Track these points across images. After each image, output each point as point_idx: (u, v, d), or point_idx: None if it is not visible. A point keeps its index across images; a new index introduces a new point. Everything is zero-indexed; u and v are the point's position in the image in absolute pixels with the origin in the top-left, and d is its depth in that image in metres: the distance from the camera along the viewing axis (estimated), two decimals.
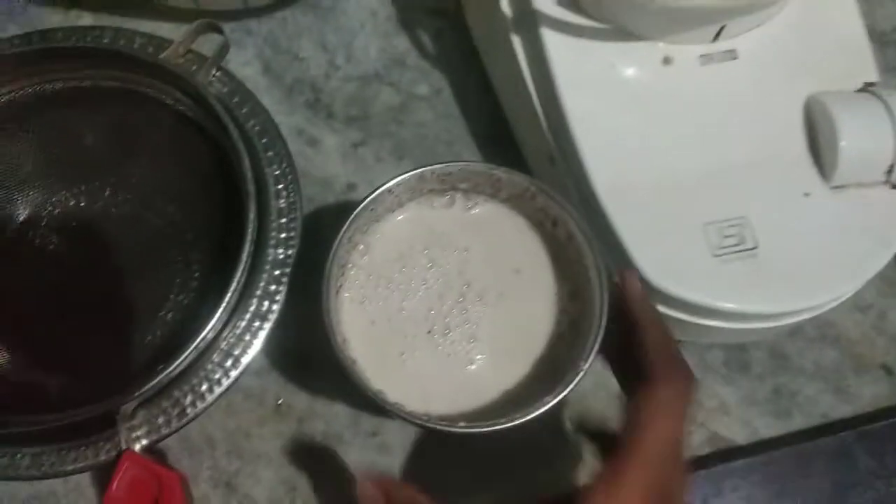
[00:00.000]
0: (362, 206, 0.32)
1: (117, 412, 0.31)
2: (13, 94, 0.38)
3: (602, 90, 0.37)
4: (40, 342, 0.36)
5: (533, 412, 0.29)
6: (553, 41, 0.37)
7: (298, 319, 0.38)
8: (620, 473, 0.24)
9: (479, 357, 0.33)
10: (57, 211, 0.40)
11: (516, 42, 0.39)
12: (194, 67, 0.37)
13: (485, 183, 0.35)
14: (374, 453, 0.40)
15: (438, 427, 0.29)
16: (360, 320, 0.33)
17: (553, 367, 0.33)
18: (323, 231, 0.40)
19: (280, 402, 0.40)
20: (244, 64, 0.46)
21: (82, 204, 0.40)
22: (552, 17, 0.37)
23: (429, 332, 0.33)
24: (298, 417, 0.40)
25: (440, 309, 0.34)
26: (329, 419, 0.40)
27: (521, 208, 0.36)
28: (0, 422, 0.31)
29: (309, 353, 0.40)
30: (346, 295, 0.33)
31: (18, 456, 0.32)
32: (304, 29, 0.47)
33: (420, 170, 0.33)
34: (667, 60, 0.38)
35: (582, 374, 0.29)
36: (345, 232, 0.31)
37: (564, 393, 0.29)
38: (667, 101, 0.37)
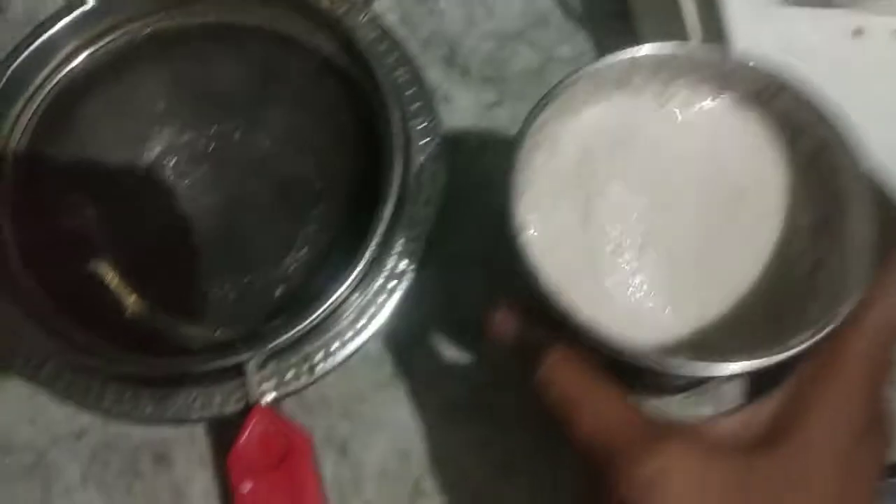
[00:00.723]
0: (559, 89, 0.26)
1: (248, 363, 0.30)
2: (154, 26, 0.36)
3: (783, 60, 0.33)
4: (167, 284, 0.35)
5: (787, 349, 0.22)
6: (734, 6, 0.34)
7: (427, 284, 0.36)
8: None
9: (670, 291, 0.27)
10: (188, 150, 0.39)
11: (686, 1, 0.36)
12: (342, 10, 0.35)
13: (711, 77, 0.27)
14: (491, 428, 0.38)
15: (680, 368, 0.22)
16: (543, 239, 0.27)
17: (775, 315, 0.26)
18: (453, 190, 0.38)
19: (398, 368, 0.38)
20: (381, 12, 0.43)
21: (213, 144, 0.39)
22: None
23: (617, 253, 0.27)
24: (415, 388, 0.38)
25: (633, 228, 0.27)
26: (447, 393, 0.38)
27: (754, 113, 0.28)
28: (127, 361, 0.30)
29: (432, 321, 0.38)
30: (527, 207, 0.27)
31: (143, 399, 0.31)
32: None
33: (630, 52, 0.26)
34: (858, 32, 0.34)
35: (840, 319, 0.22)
36: (531, 123, 0.26)
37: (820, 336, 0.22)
38: (854, 77, 0.33)
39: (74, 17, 0.34)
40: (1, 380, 0.39)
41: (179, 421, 0.31)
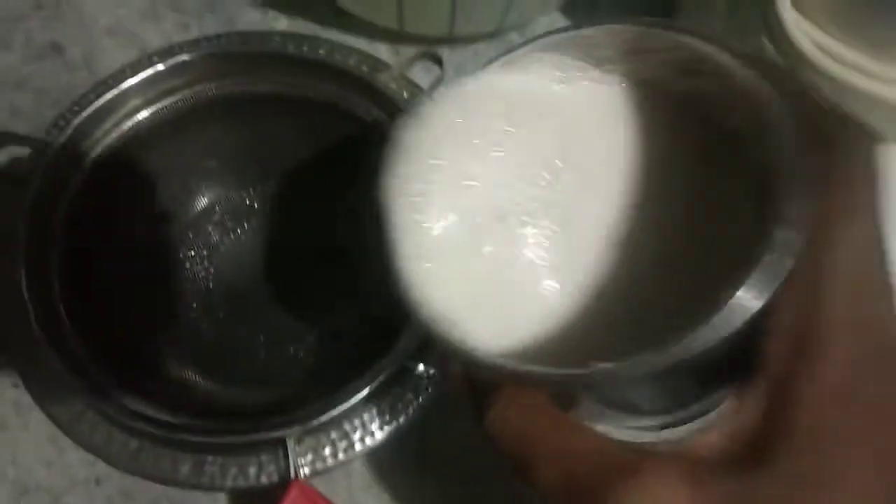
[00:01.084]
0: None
1: (289, 438, 0.30)
2: (216, 91, 0.37)
3: None
4: (209, 347, 0.36)
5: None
6: None
7: None
8: None
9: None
10: (233, 207, 0.39)
11: None
12: (405, 94, 0.36)
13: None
14: None
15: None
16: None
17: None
18: None
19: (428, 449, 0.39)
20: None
21: (258, 205, 0.40)
22: None
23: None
24: (443, 473, 0.38)
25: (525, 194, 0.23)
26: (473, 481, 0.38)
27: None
28: (169, 426, 0.30)
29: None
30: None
31: (181, 462, 0.31)
32: None
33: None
34: None
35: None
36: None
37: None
38: None
39: (143, 77, 0.35)
40: (25, 421, 0.39)
41: (214, 489, 0.31)
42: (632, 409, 0.22)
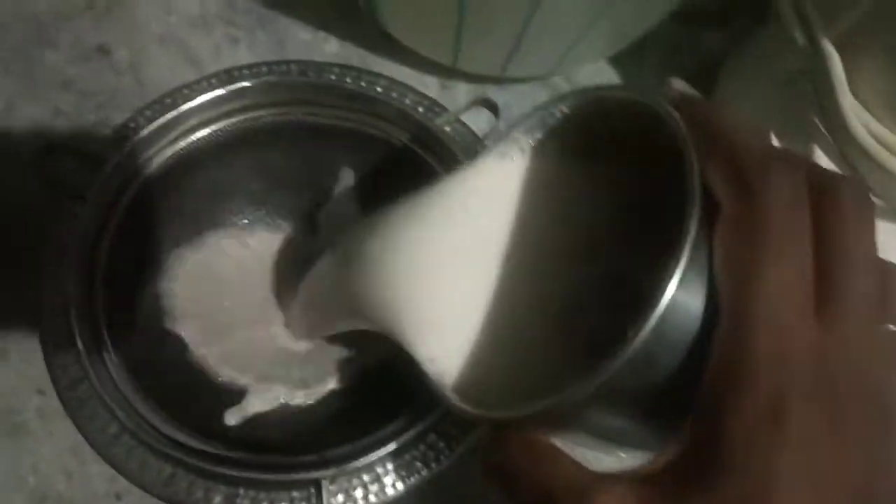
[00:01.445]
0: None
1: (324, 480, 0.30)
2: (274, 117, 0.37)
3: None
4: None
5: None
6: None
7: None
8: None
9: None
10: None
11: None
12: (457, 139, 0.36)
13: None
14: None
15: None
16: None
17: None
18: None
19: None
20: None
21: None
22: None
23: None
24: None
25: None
26: None
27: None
28: (209, 457, 0.30)
29: None
30: None
31: (214, 492, 0.31)
32: None
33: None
34: None
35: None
36: None
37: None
38: None
39: (203, 101, 0.35)
40: (49, 428, 0.39)
41: None
42: (612, 439, 0.23)
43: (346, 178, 0.39)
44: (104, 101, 0.45)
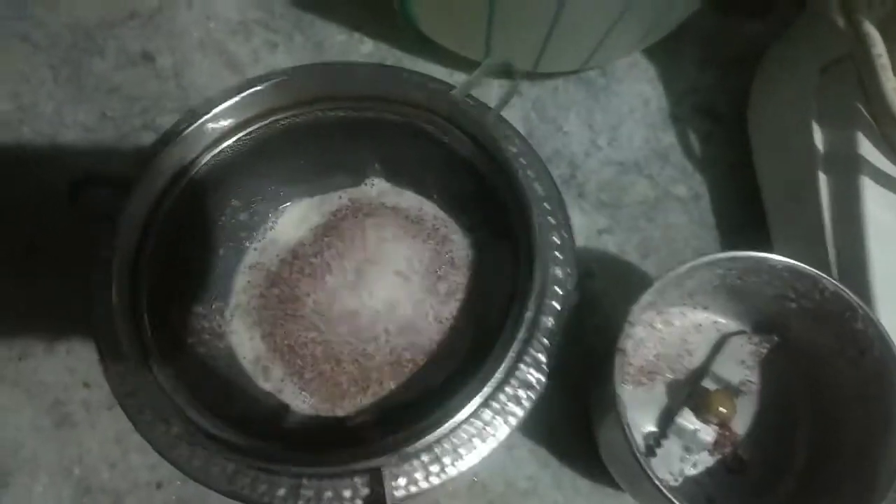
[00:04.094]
0: (653, 288, 0.30)
1: (384, 467, 0.30)
2: (307, 115, 0.38)
3: None
4: (304, 370, 0.37)
5: None
6: (872, 191, 0.35)
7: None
8: None
9: None
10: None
11: (822, 177, 0.37)
12: (477, 111, 0.36)
13: None
14: None
15: None
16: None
17: None
18: None
19: (475, 479, 0.39)
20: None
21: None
22: (876, 168, 0.35)
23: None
24: (490, 500, 0.38)
25: None
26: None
27: None
28: (269, 454, 0.30)
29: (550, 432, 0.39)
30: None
31: (277, 485, 0.30)
32: (574, 102, 0.47)
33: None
34: None
35: None
36: (633, 312, 0.29)
37: None
38: None
39: (230, 105, 0.35)
40: (93, 420, 0.40)
41: None
42: None
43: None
44: (149, 106, 0.46)
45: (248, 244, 0.41)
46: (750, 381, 0.34)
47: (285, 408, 0.37)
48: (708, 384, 0.33)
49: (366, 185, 0.42)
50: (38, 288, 0.41)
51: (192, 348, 0.36)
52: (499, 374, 0.31)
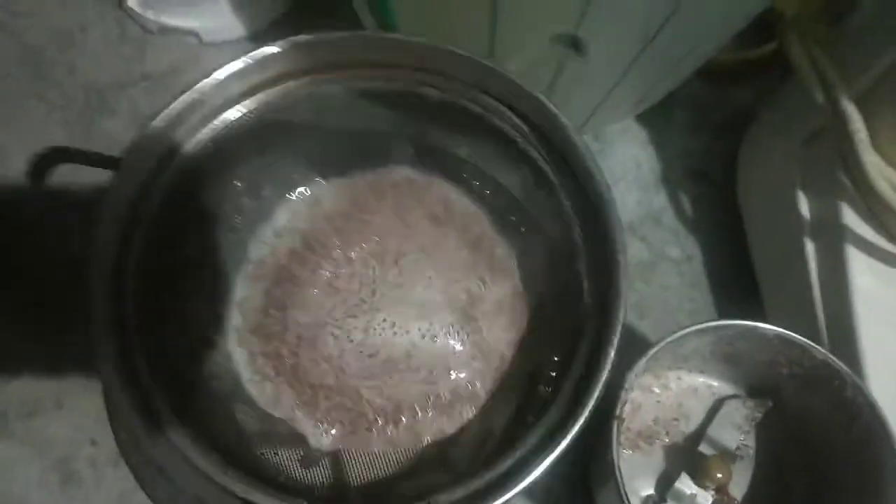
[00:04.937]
0: (648, 357, 0.31)
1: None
2: (330, 83, 0.32)
3: None
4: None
5: None
6: (856, 260, 0.36)
7: None
8: None
9: None
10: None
11: (808, 244, 0.38)
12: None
13: None
14: None
15: None
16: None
17: None
18: None
19: None
20: None
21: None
22: (861, 237, 0.36)
23: None
24: None
25: None
26: None
27: None
28: None
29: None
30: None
31: None
32: None
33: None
34: None
35: None
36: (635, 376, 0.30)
37: None
38: None
39: (250, 62, 0.31)
40: (99, 477, 0.40)
41: None
42: None
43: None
44: None
45: (252, 235, 0.35)
46: (745, 445, 0.35)
47: (303, 441, 0.33)
48: (705, 449, 0.35)
49: (394, 170, 0.37)
50: (48, 344, 0.42)
51: (197, 387, 0.32)
52: (567, 442, 0.26)
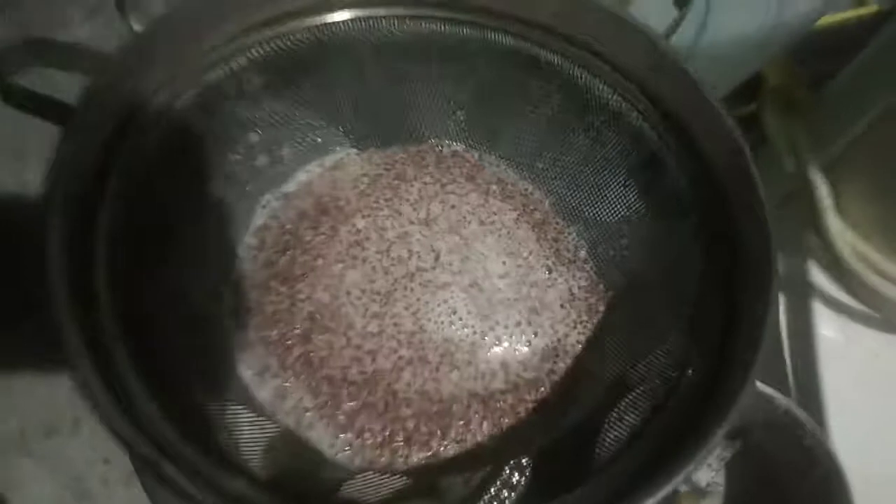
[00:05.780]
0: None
1: None
2: (379, 21, 0.27)
3: (862, 374, 0.38)
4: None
5: None
6: (822, 314, 0.39)
7: None
8: None
9: None
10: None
11: (780, 298, 0.41)
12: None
13: None
14: None
15: None
16: None
17: None
18: None
19: None
20: None
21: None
22: (826, 293, 0.39)
23: None
24: None
25: None
26: None
27: None
28: None
29: None
30: None
31: None
32: None
33: None
34: None
35: None
36: None
37: None
38: None
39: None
40: (110, 494, 0.43)
41: None
42: None
43: None
44: None
45: (260, 199, 0.30)
46: (716, 483, 0.38)
47: (317, 457, 0.27)
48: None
49: (441, 143, 0.32)
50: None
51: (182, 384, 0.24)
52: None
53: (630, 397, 0.26)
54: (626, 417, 0.25)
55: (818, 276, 0.40)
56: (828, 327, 0.39)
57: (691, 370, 0.24)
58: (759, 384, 0.35)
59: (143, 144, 0.24)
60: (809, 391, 0.38)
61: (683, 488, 0.37)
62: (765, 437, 0.37)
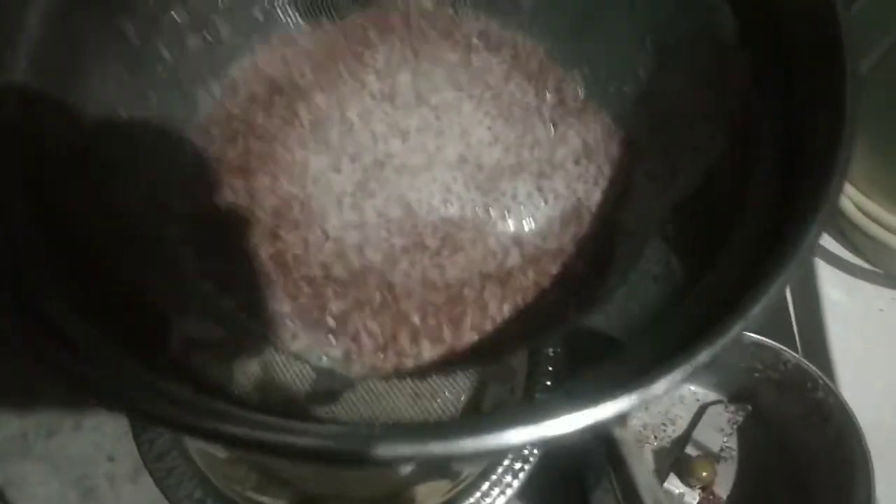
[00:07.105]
0: None
1: None
2: None
3: (868, 330, 0.38)
4: None
5: None
6: (826, 271, 0.39)
7: None
8: None
9: None
10: None
11: None
12: None
13: None
14: None
15: None
16: None
17: None
18: None
19: None
20: None
21: None
22: (829, 251, 0.39)
23: None
24: None
25: None
26: None
27: None
28: None
29: None
30: None
31: None
32: None
33: None
34: None
35: None
36: None
37: None
38: None
39: None
40: (117, 493, 0.42)
41: None
42: None
43: None
44: None
45: (201, 86, 0.24)
46: (729, 447, 0.38)
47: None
48: (690, 451, 0.37)
49: (406, 3, 0.26)
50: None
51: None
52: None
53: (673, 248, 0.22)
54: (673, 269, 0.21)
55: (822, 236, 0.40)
56: (832, 285, 0.39)
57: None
58: (766, 340, 0.34)
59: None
60: (816, 347, 0.38)
61: (696, 453, 0.37)
62: (774, 396, 0.37)
